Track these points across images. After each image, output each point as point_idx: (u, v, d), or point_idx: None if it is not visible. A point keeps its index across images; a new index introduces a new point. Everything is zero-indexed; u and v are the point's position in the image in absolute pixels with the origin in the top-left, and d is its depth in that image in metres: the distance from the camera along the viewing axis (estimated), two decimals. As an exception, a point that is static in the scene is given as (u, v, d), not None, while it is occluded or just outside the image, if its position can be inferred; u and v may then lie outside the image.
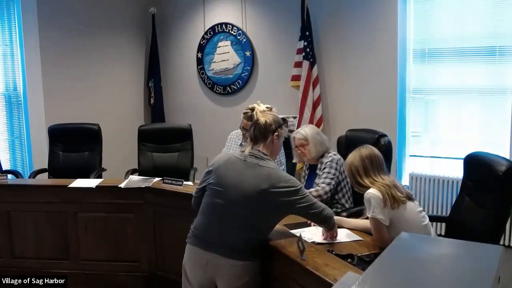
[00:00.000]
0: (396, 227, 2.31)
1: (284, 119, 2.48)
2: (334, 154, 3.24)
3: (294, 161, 3.57)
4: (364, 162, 2.47)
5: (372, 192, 2.37)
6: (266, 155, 2.30)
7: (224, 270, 2.25)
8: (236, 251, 2.23)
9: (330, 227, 2.38)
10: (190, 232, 2.37)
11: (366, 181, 2.43)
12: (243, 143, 3.69)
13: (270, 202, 2.19)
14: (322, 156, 3.23)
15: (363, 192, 2.46)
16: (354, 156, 2.51)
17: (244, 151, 2.33)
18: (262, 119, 2.32)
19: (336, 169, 3.17)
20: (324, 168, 3.18)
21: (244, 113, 2.77)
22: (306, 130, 3.29)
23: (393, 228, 2.32)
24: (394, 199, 2.36)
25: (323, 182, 3.13)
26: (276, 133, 2.34)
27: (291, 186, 2.21)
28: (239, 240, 2.23)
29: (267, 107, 2.40)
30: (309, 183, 3.31)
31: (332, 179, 3.14)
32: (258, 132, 2.32)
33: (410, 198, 2.45)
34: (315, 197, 2.51)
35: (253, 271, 2.29)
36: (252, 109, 2.38)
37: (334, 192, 3.17)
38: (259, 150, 2.30)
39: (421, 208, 2.52)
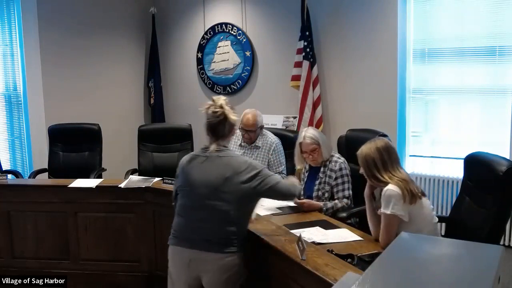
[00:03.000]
0: (413, 223, 2.29)
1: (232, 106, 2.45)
2: (338, 158, 3.20)
3: (297, 167, 3.50)
4: (381, 155, 2.38)
5: (392, 189, 2.30)
6: (225, 146, 2.38)
7: (209, 266, 2.28)
8: (218, 245, 2.26)
9: (293, 196, 2.54)
10: (170, 235, 2.41)
11: (385, 176, 2.36)
12: (242, 143, 3.69)
13: (238, 189, 2.25)
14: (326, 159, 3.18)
15: (378, 186, 2.42)
16: (369, 148, 2.42)
17: (206, 148, 2.36)
18: (233, 117, 2.36)
19: (347, 175, 3.15)
20: (337, 178, 3.12)
21: (213, 113, 2.33)
22: (314, 133, 3.18)
23: (409, 224, 2.30)
24: (412, 194, 2.31)
25: (344, 196, 3.12)
26: (236, 126, 2.43)
27: (253, 169, 2.29)
28: (219, 233, 2.27)
29: (224, 99, 2.39)
30: (310, 184, 3.25)
31: (349, 188, 3.14)
32: (227, 130, 2.36)
33: (423, 193, 2.43)
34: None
35: (238, 264, 2.31)
36: (221, 107, 2.34)
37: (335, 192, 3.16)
38: (222, 145, 2.36)
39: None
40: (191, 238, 2.30)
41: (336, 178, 3.13)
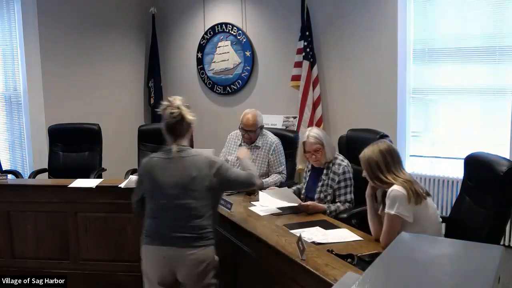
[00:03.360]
0: (418, 223, 2.30)
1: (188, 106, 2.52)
2: (342, 160, 3.14)
3: (299, 167, 3.48)
4: (384, 157, 2.39)
5: (397, 189, 2.31)
6: (185, 145, 2.47)
7: (184, 261, 2.37)
8: (191, 240, 2.36)
9: (259, 187, 2.74)
10: (143, 235, 2.49)
11: (389, 177, 2.37)
12: (242, 144, 3.69)
13: (204, 185, 2.38)
14: (330, 161, 3.13)
15: (382, 188, 2.42)
16: (372, 151, 2.43)
17: (168, 151, 2.44)
18: (189, 117, 2.43)
19: (350, 179, 3.11)
20: (339, 182, 3.08)
21: (170, 114, 2.38)
22: (318, 133, 3.12)
23: (414, 224, 2.30)
24: (417, 194, 2.32)
25: (345, 200, 3.09)
26: (193, 125, 2.50)
27: (214, 165, 2.42)
28: (191, 229, 2.37)
29: (181, 99, 2.46)
30: (312, 185, 3.22)
31: (351, 192, 3.11)
32: (185, 130, 2.45)
33: (428, 193, 2.43)
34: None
35: (211, 256, 2.42)
36: (178, 107, 2.41)
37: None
38: (182, 145, 2.45)
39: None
40: (164, 236, 2.39)
41: (339, 182, 3.09)
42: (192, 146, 4.91)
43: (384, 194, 2.41)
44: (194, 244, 2.36)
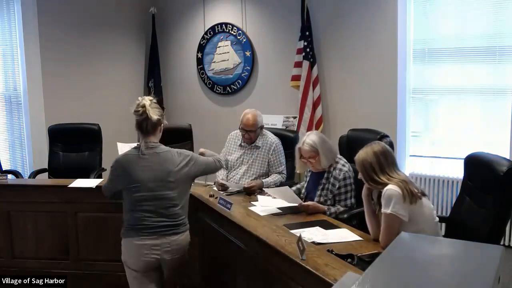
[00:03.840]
0: (414, 223, 2.30)
1: (163, 107, 2.77)
2: (343, 165, 3.08)
3: (297, 171, 3.44)
4: (378, 158, 2.41)
5: (392, 189, 2.32)
6: (156, 143, 2.68)
7: (167, 247, 2.59)
8: (172, 227, 2.61)
9: (220, 167, 2.97)
10: (124, 228, 2.67)
11: (383, 178, 2.38)
12: (242, 144, 3.69)
13: (179, 176, 2.63)
14: (330, 165, 3.09)
15: (377, 189, 2.43)
16: (366, 153, 2.44)
17: (138, 147, 2.65)
18: (154, 117, 2.63)
19: (351, 184, 3.06)
20: (340, 188, 3.04)
21: (136, 111, 2.61)
22: (314, 139, 3.06)
23: (411, 224, 2.30)
24: (412, 194, 2.32)
25: (345, 205, 3.05)
26: (162, 124, 2.73)
27: (186, 157, 2.69)
28: (171, 218, 2.61)
29: (150, 99, 2.66)
30: (312, 187, 3.18)
31: (351, 197, 3.08)
32: (150, 127, 2.65)
33: (423, 193, 2.43)
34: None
35: (189, 240, 2.72)
36: (143, 106, 2.61)
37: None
38: (151, 142, 2.66)
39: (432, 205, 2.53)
40: (148, 226, 2.57)
41: (339, 188, 3.05)
42: (192, 146, 4.93)
43: (379, 195, 2.42)
44: (176, 231, 2.61)
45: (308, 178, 3.29)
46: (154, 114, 2.64)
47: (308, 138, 3.08)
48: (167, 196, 2.60)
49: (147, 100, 2.64)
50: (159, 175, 2.60)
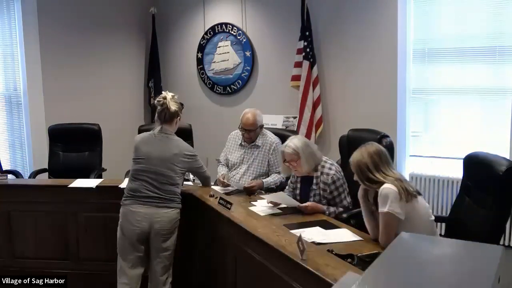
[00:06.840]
0: (409, 221, 2.30)
1: (181, 103, 3.22)
2: (330, 168, 3.04)
3: (281, 174, 3.40)
4: (373, 158, 2.42)
5: (388, 187, 2.33)
6: (171, 132, 3.10)
7: (159, 218, 2.96)
8: (166, 201, 2.98)
9: (207, 185, 3.45)
10: (124, 197, 3.05)
11: (378, 176, 2.39)
12: (242, 143, 3.69)
13: (180, 163, 3.05)
14: (316, 169, 3.06)
15: (373, 188, 2.43)
16: (361, 153, 2.45)
17: (155, 130, 3.10)
18: (172, 108, 3.07)
19: (342, 185, 3.05)
20: (332, 192, 3.02)
21: (157, 101, 3.12)
22: (296, 143, 3.03)
23: (406, 222, 2.30)
24: (408, 192, 2.33)
25: (343, 206, 3.04)
26: (179, 117, 3.15)
27: (192, 154, 3.13)
28: (166, 193, 2.99)
29: (172, 95, 3.12)
30: (305, 191, 3.14)
31: (346, 197, 3.06)
32: (168, 116, 3.08)
33: (418, 192, 2.44)
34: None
35: (178, 216, 3.05)
36: (164, 98, 3.09)
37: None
38: (167, 129, 3.09)
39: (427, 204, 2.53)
40: (145, 196, 2.97)
41: (331, 192, 3.03)
42: (192, 146, 4.97)
43: (376, 196, 2.42)
44: (167, 204, 2.98)
45: (299, 185, 3.22)
46: (172, 105, 3.07)
47: (291, 142, 3.06)
48: (165, 174, 2.99)
49: (168, 94, 3.11)
50: (163, 155, 3.00)
